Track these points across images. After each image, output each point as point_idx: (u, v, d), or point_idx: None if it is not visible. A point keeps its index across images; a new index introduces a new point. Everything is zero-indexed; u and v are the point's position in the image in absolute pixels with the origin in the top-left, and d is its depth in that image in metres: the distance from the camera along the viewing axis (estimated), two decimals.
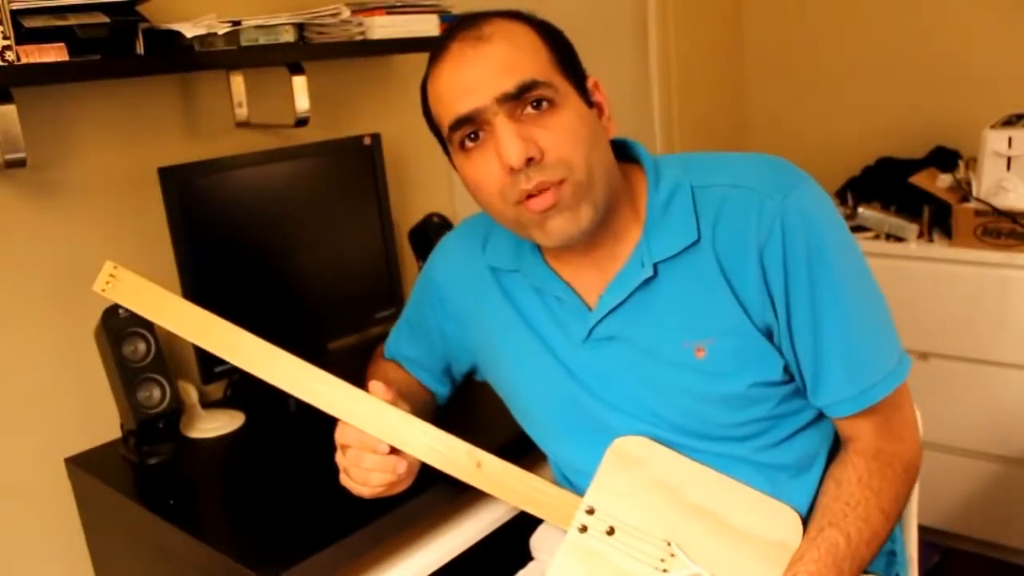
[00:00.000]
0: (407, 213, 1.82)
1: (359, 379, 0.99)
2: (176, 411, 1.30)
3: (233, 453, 1.35)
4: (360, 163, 1.59)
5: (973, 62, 2.33)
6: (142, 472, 1.29)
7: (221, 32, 1.28)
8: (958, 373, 2.02)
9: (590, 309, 0.96)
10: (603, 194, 0.90)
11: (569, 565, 0.93)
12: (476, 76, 0.86)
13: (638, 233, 0.94)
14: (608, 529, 0.93)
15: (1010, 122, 1.97)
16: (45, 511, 1.37)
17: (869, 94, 2.53)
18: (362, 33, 1.51)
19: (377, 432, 0.92)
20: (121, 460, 1.32)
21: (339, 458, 0.96)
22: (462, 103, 0.87)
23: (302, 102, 1.50)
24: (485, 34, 0.87)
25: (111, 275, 0.94)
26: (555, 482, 1.10)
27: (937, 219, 2.06)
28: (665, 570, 0.90)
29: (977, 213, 1.95)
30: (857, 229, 2.11)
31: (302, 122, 1.53)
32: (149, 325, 1.28)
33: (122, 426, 1.33)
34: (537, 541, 1.17)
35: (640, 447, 0.95)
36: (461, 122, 0.88)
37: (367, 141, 1.59)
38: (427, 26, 1.59)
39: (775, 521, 0.92)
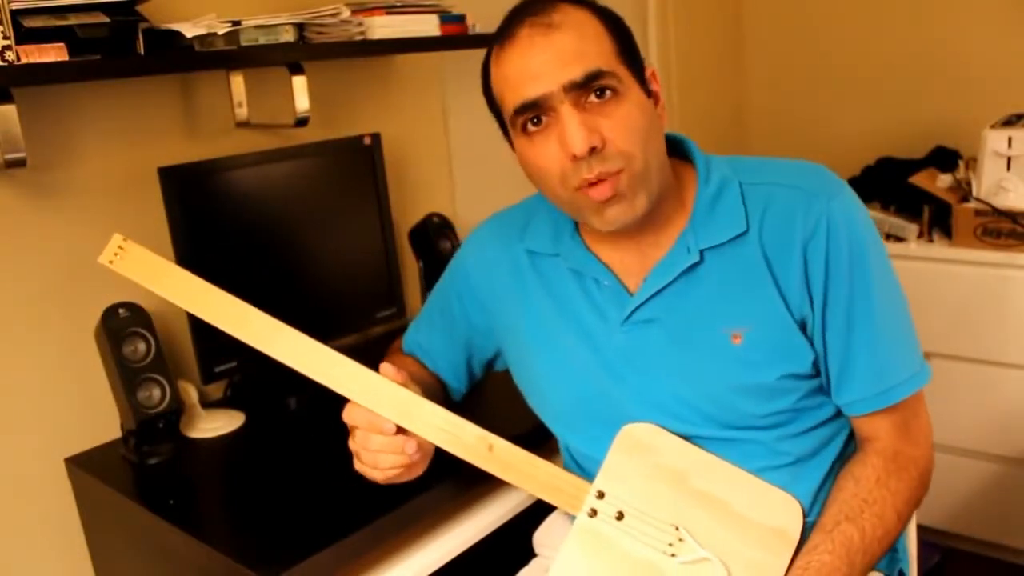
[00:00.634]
0: (407, 213, 1.82)
1: None
2: (176, 411, 1.30)
3: (233, 453, 1.35)
4: (360, 163, 1.59)
5: (973, 62, 2.33)
6: (142, 472, 1.29)
7: (221, 32, 1.28)
8: (958, 373, 2.02)
9: (630, 293, 0.98)
10: (657, 183, 0.94)
11: (579, 549, 0.94)
12: (545, 62, 0.88)
13: (683, 222, 0.97)
14: (617, 514, 0.94)
15: (1010, 122, 1.97)
16: (45, 511, 1.37)
17: (869, 94, 2.53)
18: (362, 33, 1.51)
19: (385, 411, 0.92)
20: (121, 460, 1.32)
21: (351, 442, 0.97)
22: (529, 88, 0.89)
23: (302, 102, 1.50)
24: (555, 22, 0.88)
25: (119, 247, 0.94)
26: (565, 470, 1.11)
27: (937, 219, 2.06)
28: (673, 554, 0.91)
29: (977, 213, 1.95)
30: None
31: (302, 122, 1.53)
32: (149, 325, 1.28)
33: (122, 426, 1.33)
34: (540, 537, 1.18)
35: (649, 433, 0.96)
36: (527, 107, 0.90)
37: (367, 141, 1.59)
38: (427, 26, 1.59)
39: (777, 508, 0.93)
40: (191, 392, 1.44)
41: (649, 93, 0.94)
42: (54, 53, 1.13)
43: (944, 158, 2.24)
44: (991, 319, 1.95)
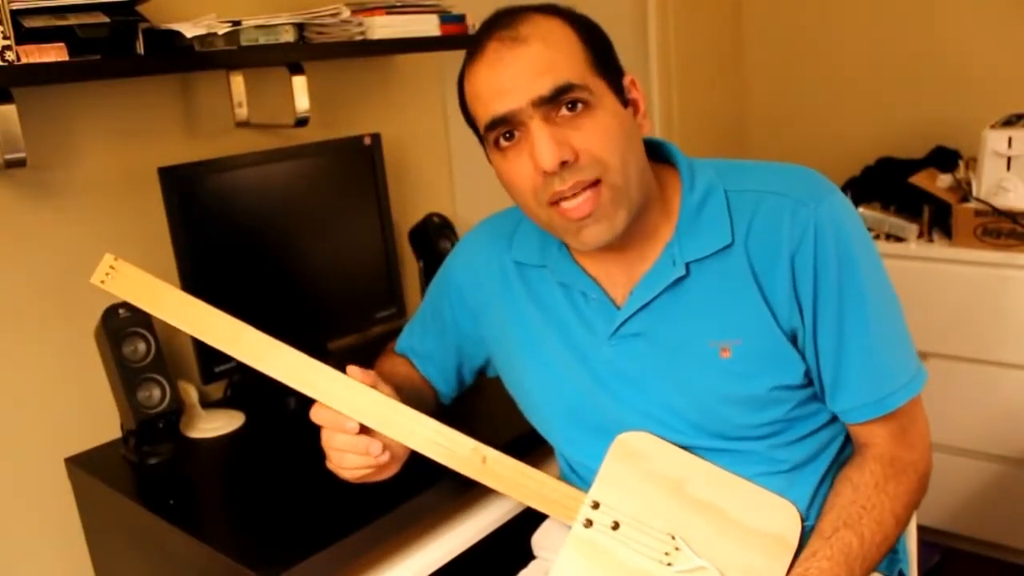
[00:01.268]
0: (407, 213, 1.82)
1: None
2: (176, 411, 1.30)
3: (233, 453, 1.35)
4: (360, 163, 1.59)
5: (973, 62, 2.33)
6: (142, 472, 1.29)
7: (221, 32, 1.28)
8: (958, 373, 2.02)
9: (617, 306, 0.97)
10: (638, 195, 0.92)
11: (574, 560, 0.93)
12: (512, 77, 0.86)
13: (668, 233, 0.95)
14: (613, 524, 0.93)
15: (1010, 122, 1.97)
16: (45, 511, 1.37)
17: (869, 94, 2.53)
18: (362, 33, 1.51)
19: (379, 426, 0.92)
20: (121, 460, 1.32)
21: (322, 439, 0.97)
22: (498, 104, 0.87)
23: (302, 102, 1.50)
24: (521, 35, 0.86)
25: (111, 267, 0.94)
26: (561, 475, 1.11)
27: (937, 219, 2.06)
28: (670, 563, 0.91)
29: (977, 213, 1.95)
30: None
31: (302, 122, 1.53)
32: (149, 325, 1.28)
33: (122, 426, 1.33)
34: (539, 539, 1.18)
35: (643, 442, 0.95)
36: (497, 122, 0.89)
37: (367, 141, 1.59)
38: (427, 26, 1.59)
39: (774, 514, 0.93)
40: (191, 392, 1.44)
41: (626, 103, 0.92)
42: (54, 53, 1.13)
43: (944, 158, 2.24)
44: (991, 319, 1.95)
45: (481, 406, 1.35)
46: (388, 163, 1.64)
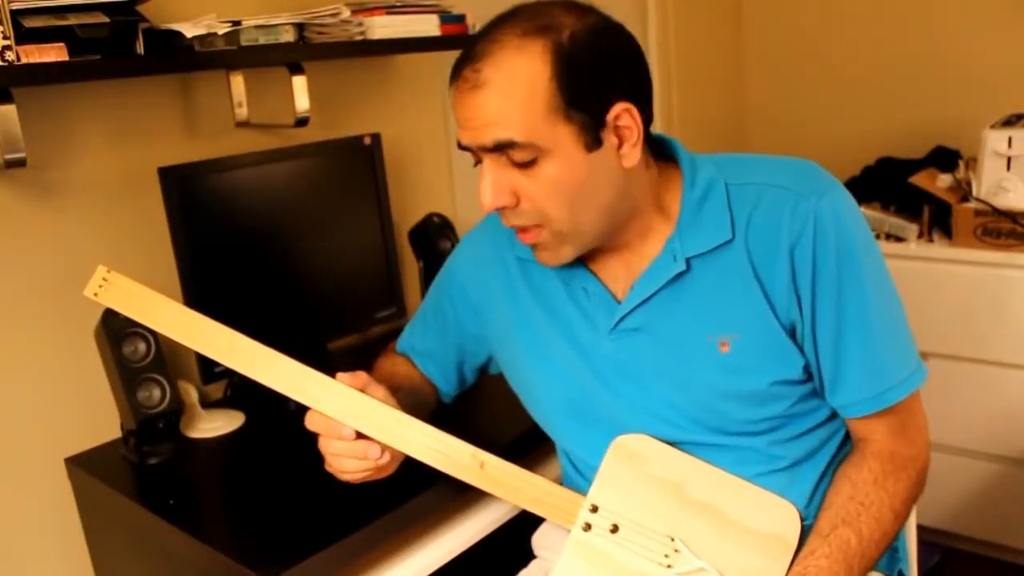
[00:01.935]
0: (407, 213, 1.82)
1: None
2: (176, 411, 1.30)
3: (233, 453, 1.35)
4: (360, 163, 1.59)
5: (973, 62, 2.33)
6: (142, 472, 1.29)
7: (221, 32, 1.28)
8: (958, 373, 2.02)
9: (617, 301, 0.98)
10: (593, 234, 0.93)
11: (574, 564, 0.93)
12: (467, 119, 0.88)
13: (669, 228, 0.96)
14: (612, 527, 0.93)
15: (1010, 122, 1.97)
16: (45, 511, 1.37)
17: (869, 94, 2.53)
18: (362, 33, 1.51)
19: (375, 434, 0.92)
20: (121, 460, 1.32)
21: (319, 445, 0.97)
22: (461, 134, 0.90)
23: (302, 102, 1.50)
24: (482, 79, 0.85)
25: (104, 279, 0.94)
26: (563, 471, 1.12)
27: (937, 219, 2.06)
28: (670, 565, 0.91)
29: (977, 213, 1.95)
30: None
31: (302, 122, 1.53)
32: None
33: (122, 426, 1.33)
34: (539, 539, 1.18)
35: (641, 444, 0.95)
36: (462, 147, 0.91)
37: (367, 141, 1.59)
38: (427, 26, 1.59)
39: (773, 515, 0.93)
40: (191, 392, 1.44)
41: (599, 141, 0.88)
42: (54, 53, 1.13)
43: (944, 158, 2.24)
44: (991, 319, 1.95)
45: (482, 405, 1.35)
46: (388, 163, 1.64)
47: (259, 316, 1.47)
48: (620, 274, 0.98)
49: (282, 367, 0.93)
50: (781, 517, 0.93)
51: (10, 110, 1.16)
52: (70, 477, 1.35)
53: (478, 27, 1.68)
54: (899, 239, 2.07)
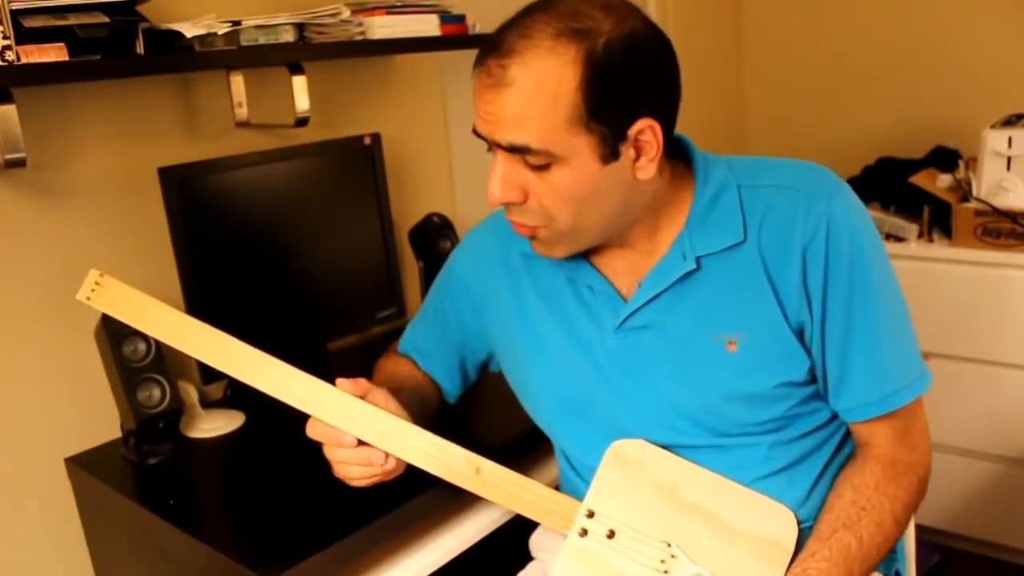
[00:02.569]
0: (407, 213, 1.82)
1: (364, 377, 0.99)
2: (176, 411, 1.30)
3: (233, 453, 1.35)
4: (360, 163, 1.59)
5: (973, 62, 2.33)
6: (142, 472, 1.29)
7: (221, 32, 1.28)
8: (958, 373, 2.02)
9: (623, 299, 0.97)
10: (592, 236, 0.93)
11: (570, 569, 0.93)
12: (487, 111, 0.87)
13: (677, 227, 0.95)
14: (608, 532, 0.93)
15: (1010, 122, 1.97)
16: (45, 511, 1.37)
17: (869, 94, 2.53)
18: (362, 33, 1.51)
19: (371, 439, 0.92)
20: (121, 460, 1.32)
21: (324, 452, 0.97)
22: (478, 122, 0.89)
23: (302, 102, 1.50)
24: (508, 77, 0.83)
25: (96, 283, 0.94)
26: (560, 472, 1.11)
27: (937, 219, 2.06)
28: (666, 571, 0.91)
29: (977, 213, 1.95)
30: None
31: (302, 122, 1.53)
32: None
33: (122, 426, 1.33)
34: (537, 540, 1.18)
35: (638, 449, 0.95)
36: (478, 135, 0.90)
37: (367, 141, 1.59)
38: (427, 26, 1.59)
39: (770, 519, 0.93)
40: (191, 392, 1.44)
41: (617, 153, 0.87)
42: (54, 53, 1.13)
43: (944, 158, 2.24)
44: (991, 319, 1.95)
45: (480, 406, 1.35)
46: (388, 163, 1.64)
47: (259, 316, 1.47)
48: (626, 271, 0.98)
49: (279, 373, 0.93)
50: (778, 522, 0.93)
51: (10, 110, 1.16)
52: (70, 477, 1.35)
53: (478, 27, 1.68)
54: (899, 239, 2.07)
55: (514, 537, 1.20)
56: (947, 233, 2.03)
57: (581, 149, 0.85)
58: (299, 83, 1.49)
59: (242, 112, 1.52)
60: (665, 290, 0.94)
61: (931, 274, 2.01)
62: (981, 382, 2.00)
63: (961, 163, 2.15)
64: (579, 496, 0.97)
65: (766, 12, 2.69)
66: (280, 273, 1.50)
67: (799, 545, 0.93)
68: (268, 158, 1.46)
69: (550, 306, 1.02)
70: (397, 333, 1.28)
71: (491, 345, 1.13)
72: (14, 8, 1.10)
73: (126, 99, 1.41)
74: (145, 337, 1.27)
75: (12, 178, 1.30)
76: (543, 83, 0.83)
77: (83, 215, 1.38)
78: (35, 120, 1.30)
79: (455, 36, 1.63)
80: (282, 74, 1.48)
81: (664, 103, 0.89)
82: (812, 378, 0.95)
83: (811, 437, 0.97)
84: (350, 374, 0.96)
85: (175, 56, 1.28)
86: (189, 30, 1.25)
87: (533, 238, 0.94)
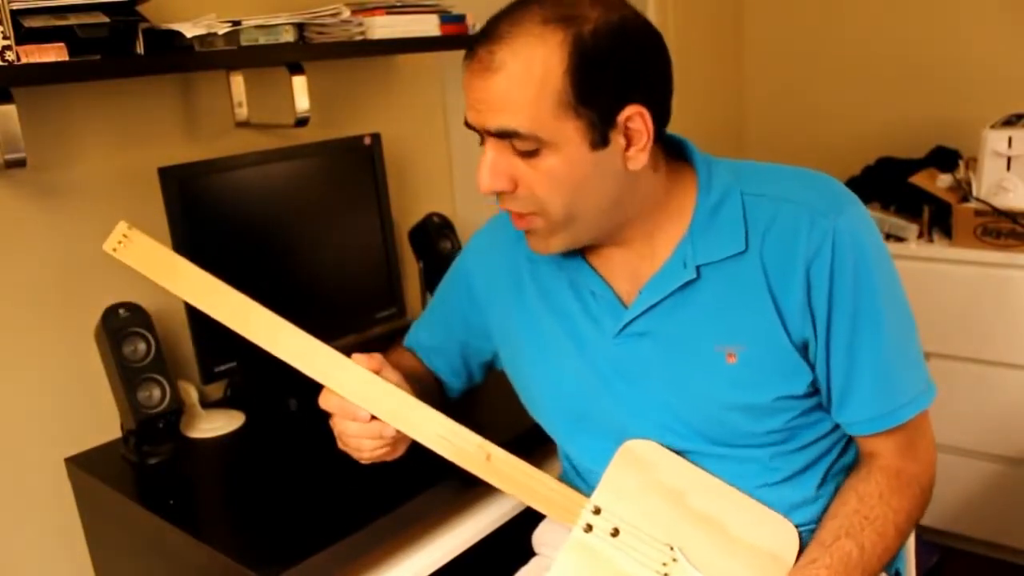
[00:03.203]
0: (407, 213, 1.82)
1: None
2: (176, 411, 1.30)
3: (233, 453, 1.35)
4: (360, 163, 1.59)
5: (973, 62, 2.33)
6: (142, 472, 1.29)
7: (221, 32, 1.28)
8: (958, 373, 2.02)
9: (624, 305, 0.97)
10: (588, 230, 0.92)
11: (572, 563, 0.93)
12: (476, 100, 0.87)
13: (679, 232, 0.94)
14: (613, 530, 0.93)
15: (1010, 122, 1.97)
16: (45, 511, 1.37)
17: (869, 94, 2.53)
18: (362, 33, 1.51)
19: (385, 415, 0.92)
20: (121, 460, 1.32)
21: (332, 424, 0.97)
22: (468, 112, 0.89)
23: (302, 102, 1.50)
24: (496, 63, 0.84)
25: (124, 235, 0.93)
26: (562, 472, 1.12)
27: (937, 219, 2.06)
28: (667, 574, 0.91)
29: (977, 213, 1.95)
30: None
31: (302, 122, 1.53)
32: (149, 325, 1.28)
33: (122, 426, 1.33)
34: (540, 536, 1.18)
35: (649, 450, 0.95)
36: (469, 125, 0.91)
37: (367, 141, 1.59)
38: (427, 26, 1.59)
39: (773, 532, 0.92)
40: (191, 392, 1.44)
41: (606, 140, 0.87)
42: (54, 53, 1.13)
43: (944, 158, 2.24)
44: (991, 319, 1.95)
45: (483, 404, 1.35)
46: (388, 163, 1.64)
47: None
48: (626, 276, 0.97)
49: (298, 342, 0.92)
50: (780, 535, 0.92)
51: (10, 110, 1.16)
52: (70, 477, 1.35)
53: (478, 27, 1.68)
54: (899, 239, 2.07)
55: (516, 534, 1.21)
56: (947, 233, 2.03)
57: (570, 134, 0.85)
58: (299, 83, 1.49)
59: (242, 112, 1.52)
60: (665, 298, 0.94)
61: (931, 274, 2.01)
62: (981, 382, 2.00)
63: (961, 163, 2.15)
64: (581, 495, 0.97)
65: (766, 12, 2.69)
66: (280, 273, 1.50)
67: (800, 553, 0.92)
68: (268, 158, 1.46)
69: (553, 309, 1.02)
70: (397, 333, 1.28)
71: (495, 345, 1.13)
72: (14, 8, 1.10)
73: (126, 99, 1.41)
74: (145, 337, 1.27)
75: (12, 178, 1.30)
76: (531, 68, 0.83)
77: (83, 215, 1.38)
78: (35, 120, 1.30)
79: (455, 36, 1.63)
80: (282, 74, 1.48)
81: (653, 92, 0.89)
82: (814, 391, 0.94)
83: (814, 447, 0.97)
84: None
85: (175, 56, 1.28)
86: (189, 30, 1.25)
87: (528, 232, 0.93)
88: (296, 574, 1.01)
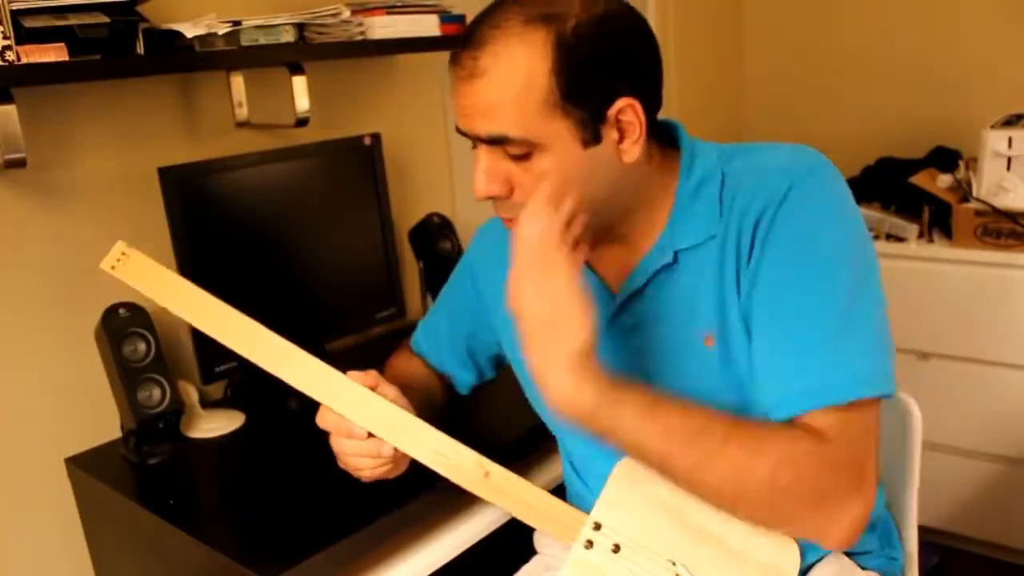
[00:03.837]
0: (407, 213, 1.82)
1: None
2: (176, 411, 1.30)
3: (233, 453, 1.35)
4: (360, 163, 1.59)
5: (973, 62, 2.33)
6: (142, 472, 1.29)
7: (221, 32, 1.28)
8: (958, 373, 2.02)
9: (612, 294, 0.97)
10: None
11: None
12: (464, 107, 0.86)
13: (663, 220, 0.93)
14: (614, 546, 0.92)
15: (1010, 122, 1.97)
16: (45, 511, 1.37)
17: (869, 94, 2.53)
18: (362, 33, 1.51)
19: (382, 432, 0.92)
20: (121, 460, 1.32)
21: (330, 441, 0.97)
22: (458, 119, 0.88)
23: (302, 102, 1.50)
24: (480, 68, 0.83)
25: (122, 253, 0.93)
26: (564, 471, 1.11)
27: (937, 219, 2.06)
28: None
29: (977, 213, 1.95)
30: None
31: (302, 122, 1.53)
32: (149, 325, 1.28)
33: (122, 426, 1.33)
34: (541, 536, 1.17)
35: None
36: (460, 132, 0.90)
37: (367, 141, 1.59)
38: (427, 26, 1.60)
39: (773, 547, 0.90)
40: (191, 392, 1.44)
41: (599, 137, 0.85)
42: (54, 53, 1.13)
43: (944, 158, 2.24)
44: (991, 319, 1.95)
45: (483, 405, 1.35)
46: (388, 163, 1.64)
47: (258, 316, 1.46)
48: (616, 267, 0.97)
49: (294, 360, 0.92)
50: (781, 548, 0.90)
51: (10, 110, 1.16)
52: (70, 477, 1.35)
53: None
54: (899, 239, 2.07)
55: (517, 534, 1.20)
56: (947, 233, 2.03)
57: (561, 134, 0.84)
58: (299, 83, 1.49)
59: (242, 112, 1.53)
60: (647, 284, 0.93)
61: (931, 274, 2.01)
62: (981, 382, 2.00)
63: (961, 163, 2.15)
64: (581, 497, 0.96)
65: (766, 12, 2.69)
66: (279, 273, 1.50)
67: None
68: (267, 158, 1.46)
69: None
70: (396, 333, 1.28)
71: (499, 337, 1.13)
72: (14, 8, 1.10)
73: (126, 99, 1.41)
74: (145, 337, 1.27)
75: (12, 178, 1.30)
76: (514, 70, 0.82)
77: (83, 215, 1.38)
78: (35, 120, 1.30)
79: (455, 36, 1.63)
80: (282, 74, 1.48)
81: (644, 82, 0.87)
82: None
83: None
84: (355, 368, 0.96)
85: (175, 56, 1.28)
86: (189, 30, 1.25)
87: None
88: (296, 574, 1.01)
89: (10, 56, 1.09)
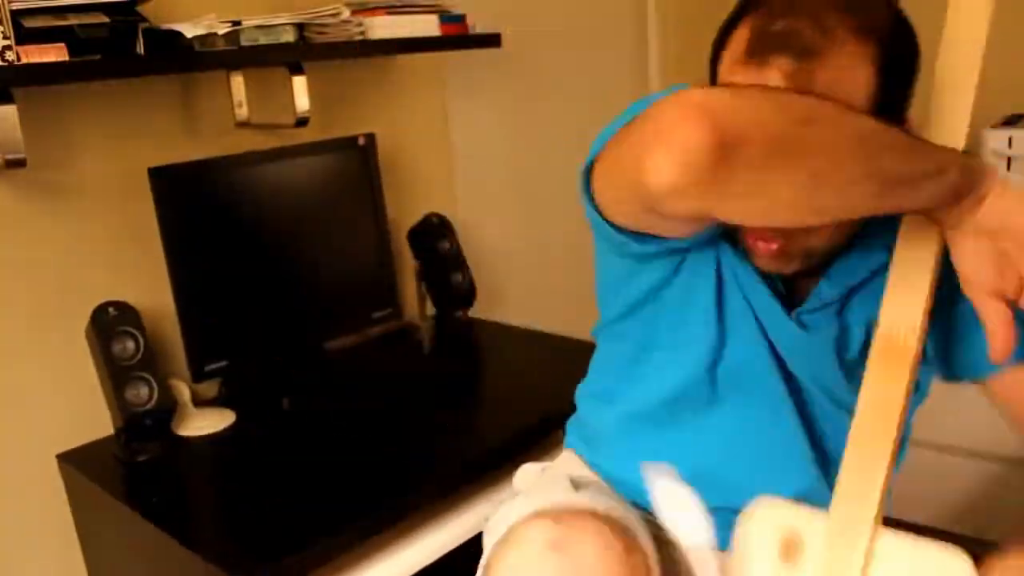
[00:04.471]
0: (407, 213, 1.82)
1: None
2: (164, 409, 1.30)
3: (223, 451, 1.35)
4: (355, 163, 1.60)
5: None
6: (130, 470, 1.29)
7: (221, 32, 1.29)
8: None
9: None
10: (822, 247, 0.87)
11: None
12: None
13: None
14: None
15: (1010, 122, 1.97)
16: (37, 507, 1.37)
17: None
18: (362, 33, 1.51)
19: None
20: (111, 457, 1.32)
21: None
22: None
23: (302, 102, 1.51)
24: (813, 83, 0.72)
25: None
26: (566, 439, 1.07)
27: None
28: None
29: None
30: None
31: (302, 122, 1.53)
32: (139, 323, 1.28)
33: (114, 423, 1.33)
34: (520, 478, 1.11)
35: (779, 512, 0.83)
36: None
37: (361, 141, 1.60)
38: (427, 26, 1.60)
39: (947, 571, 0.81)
40: (183, 390, 1.44)
41: None
42: (54, 53, 1.13)
43: None
44: None
45: (482, 404, 1.35)
46: (388, 163, 1.65)
47: (256, 316, 1.47)
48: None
49: None
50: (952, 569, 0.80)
51: (10, 110, 1.17)
52: (61, 473, 1.36)
53: (478, 27, 1.68)
54: None
55: None
56: None
57: None
58: (299, 83, 1.49)
59: (242, 112, 1.53)
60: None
61: None
62: None
63: None
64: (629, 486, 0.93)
65: None
66: (277, 273, 1.50)
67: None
68: (262, 159, 1.47)
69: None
70: (394, 334, 1.28)
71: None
72: (14, 8, 1.11)
73: (126, 99, 1.42)
74: (134, 336, 1.27)
75: (12, 178, 1.30)
76: (847, 92, 0.73)
77: (83, 215, 1.38)
78: (35, 120, 1.30)
79: (455, 36, 1.64)
80: (282, 74, 1.49)
81: (912, 93, 0.80)
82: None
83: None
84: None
85: (175, 56, 1.29)
86: (189, 30, 1.25)
87: (771, 252, 0.84)
88: (280, 571, 1.01)
89: (10, 56, 1.10)
